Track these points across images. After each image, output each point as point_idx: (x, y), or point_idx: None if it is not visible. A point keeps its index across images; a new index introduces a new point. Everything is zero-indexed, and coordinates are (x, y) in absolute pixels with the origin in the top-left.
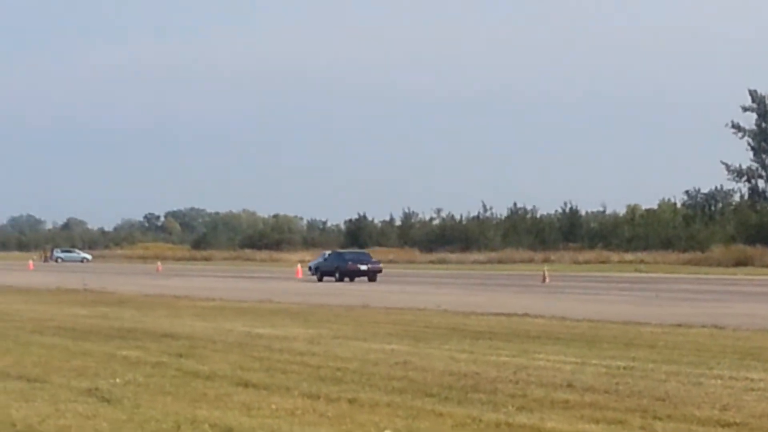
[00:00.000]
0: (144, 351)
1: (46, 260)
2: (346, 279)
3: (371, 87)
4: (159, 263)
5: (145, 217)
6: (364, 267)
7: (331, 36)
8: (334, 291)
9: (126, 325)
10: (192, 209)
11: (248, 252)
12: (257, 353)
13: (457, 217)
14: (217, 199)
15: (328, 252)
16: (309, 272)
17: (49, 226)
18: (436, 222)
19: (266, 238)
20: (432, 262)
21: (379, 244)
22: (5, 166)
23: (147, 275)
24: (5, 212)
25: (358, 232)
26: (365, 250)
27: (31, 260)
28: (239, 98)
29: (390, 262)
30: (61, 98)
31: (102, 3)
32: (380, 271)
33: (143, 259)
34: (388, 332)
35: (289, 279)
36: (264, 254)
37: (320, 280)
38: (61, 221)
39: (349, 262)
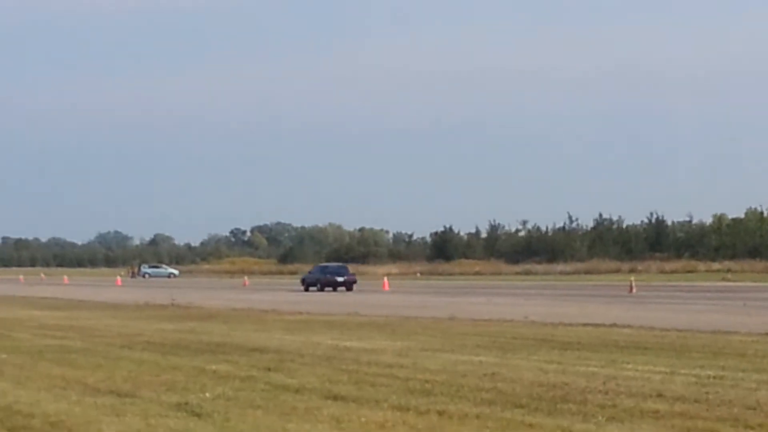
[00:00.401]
0: (233, 365)
1: (133, 276)
2: (328, 289)
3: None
4: (246, 278)
5: (232, 231)
6: (341, 279)
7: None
8: (421, 304)
9: (214, 340)
10: (278, 223)
11: None
12: (345, 366)
13: (543, 228)
14: (304, 213)
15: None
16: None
17: (136, 242)
18: (521, 233)
19: (352, 251)
20: (518, 273)
21: (465, 256)
22: (92, 184)
23: (234, 290)
24: (93, 229)
25: (444, 245)
26: (344, 264)
27: (119, 276)
28: (333, 105)
29: (476, 274)
30: (141, 117)
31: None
32: (355, 282)
33: (230, 273)
34: (476, 344)
35: (376, 292)
36: (350, 268)
37: (306, 290)
38: (148, 237)
39: (328, 275)
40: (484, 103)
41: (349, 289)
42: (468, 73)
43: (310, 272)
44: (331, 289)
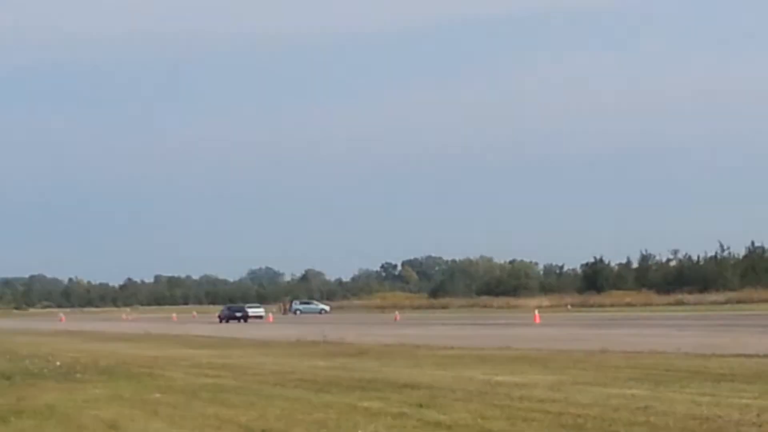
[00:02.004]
0: (385, 402)
1: (285, 312)
2: (233, 321)
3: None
4: (396, 312)
5: (382, 266)
6: (239, 314)
7: None
8: (572, 336)
9: (366, 376)
10: (429, 257)
11: (485, 299)
12: (498, 401)
13: (695, 257)
14: (454, 246)
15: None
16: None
17: (287, 278)
18: (673, 263)
19: (503, 284)
20: (669, 304)
21: (616, 287)
22: (244, 221)
23: (385, 325)
24: (245, 265)
25: (595, 276)
26: (242, 305)
27: (271, 313)
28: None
29: (627, 305)
30: (289, 153)
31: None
32: (248, 316)
33: (381, 308)
34: (628, 377)
35: (527, 325)
36: (501, 301)
37: (220, 323)
38: (299, 273)
39: (233, 311)
40: (632, 132)
41: (246, 320)
42: (615, 103)
43: (222, 311)
44: (235, 321)
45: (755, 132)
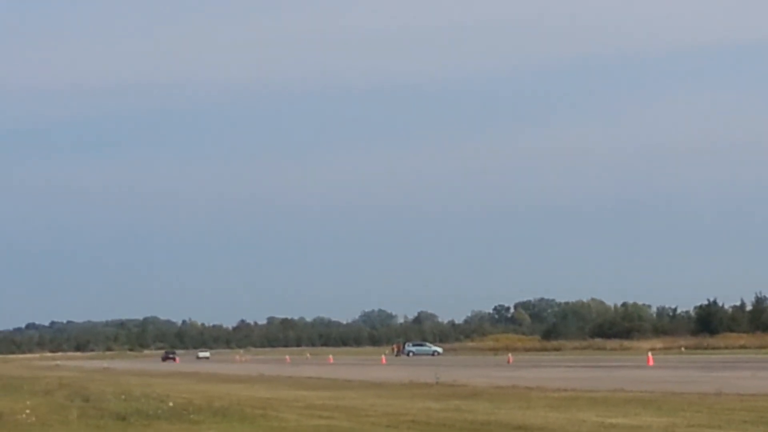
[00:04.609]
0: None
1: (398, 354)
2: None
3: None
4: (509, 354)
5: (495, 308)
6: (172, 356)
7: None
8: (686, 379)
9: (479, 418)
10: (541, 299)
11: (598, 341)
12: None
13: None
14: (566, 288)
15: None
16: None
17: (400, 320)
18: None
19: (616, 326)
20: None
21: (730, 330)
22: (357, 264)
23: (498, 367)
24: (358, 308)
25: (709, 318)
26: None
27: (384, 355)
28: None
29: (741, 347)
30: (400, 194)
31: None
32: (176, 359)
33: (494, 351)
34: (743, 419)
35: (641, 367)
36: (614, 343)
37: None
38: (412, 315)
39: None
40: (743, 175)
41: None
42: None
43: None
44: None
45: None
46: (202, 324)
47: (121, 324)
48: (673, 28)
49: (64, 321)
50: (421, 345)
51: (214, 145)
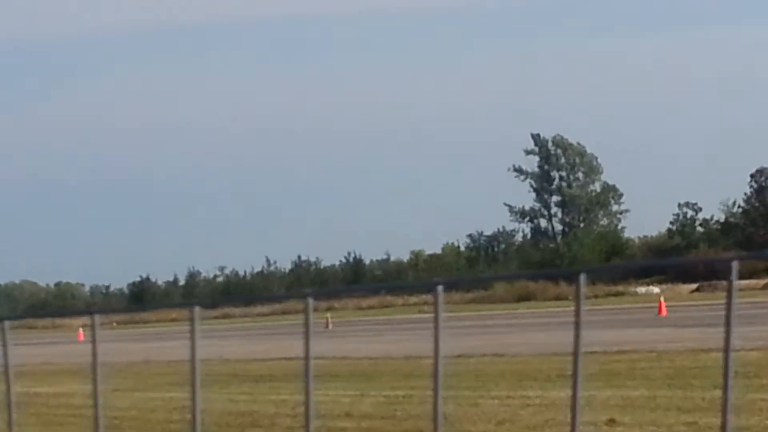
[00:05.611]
0: None
1: None
2: None
3: None
4: None
5: None
6: None
7: None
8: (117, 351)
9: None
10: None
11: (30, 321)
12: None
13: (241, 273)
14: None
15: None
16: None
17: None
18: (220, 279)
19: (49, 306)
20: (217, 317)
21: (164, 304)
22: None
23: None
24: None
25: (142, 294)
26: None
27: None
28: None
29: (172, 320)
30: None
31: None
32: None
33: None
34: (168, 382)
35: (71, 342)
36: (46, 322)
37: None
38: None
39: None
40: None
41: None
42: None
43: None
44: None
45: None
46: None
47: None
48: None
49: None
50: None
51: None
